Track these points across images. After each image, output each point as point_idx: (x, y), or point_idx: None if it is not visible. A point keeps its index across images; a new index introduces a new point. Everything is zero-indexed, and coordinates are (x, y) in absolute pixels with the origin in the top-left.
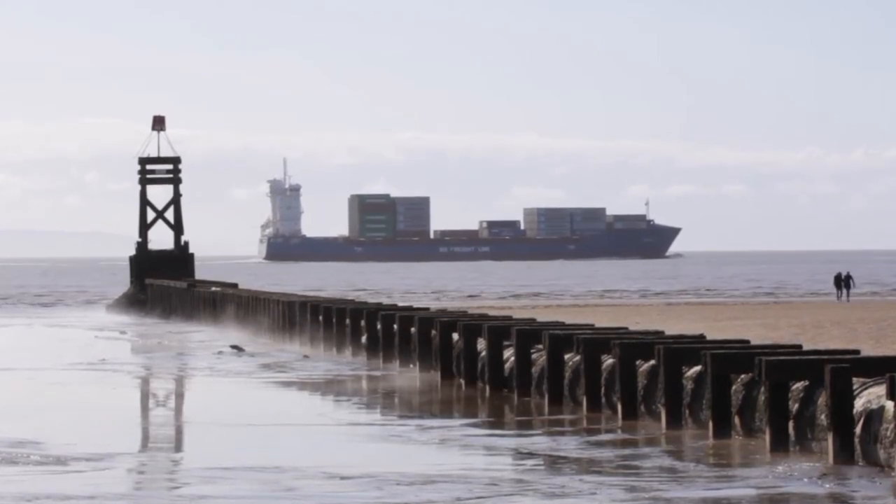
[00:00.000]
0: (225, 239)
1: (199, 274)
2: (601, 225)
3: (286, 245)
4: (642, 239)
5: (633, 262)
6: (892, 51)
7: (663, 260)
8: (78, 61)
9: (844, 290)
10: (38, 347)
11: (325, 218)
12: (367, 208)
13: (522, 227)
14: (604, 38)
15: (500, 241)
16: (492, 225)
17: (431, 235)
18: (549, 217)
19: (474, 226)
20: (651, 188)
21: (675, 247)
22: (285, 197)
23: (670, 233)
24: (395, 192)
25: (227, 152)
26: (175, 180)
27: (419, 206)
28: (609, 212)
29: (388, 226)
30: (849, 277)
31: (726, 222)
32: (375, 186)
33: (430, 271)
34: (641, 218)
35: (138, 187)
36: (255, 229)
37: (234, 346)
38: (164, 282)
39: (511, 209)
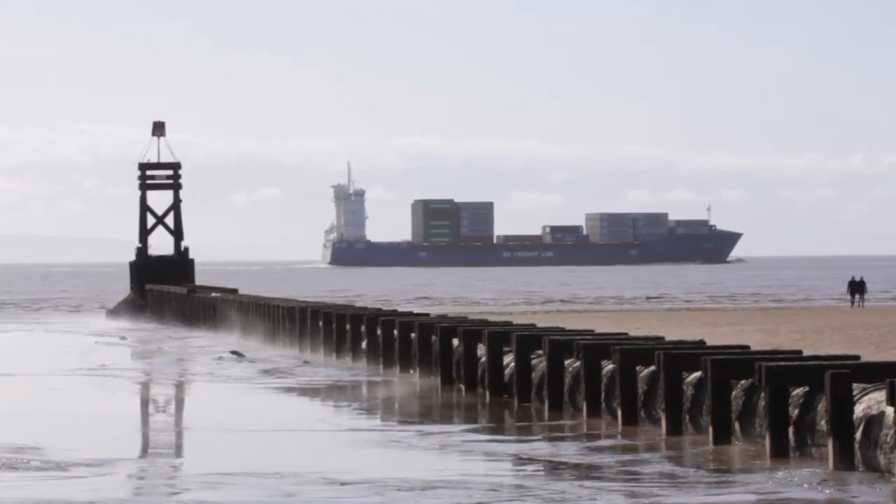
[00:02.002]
0: (224, 244)
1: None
2: (663, 230)
3: (351, 250)
4: (703, 244)
5: (694, 266)
6: (891, 55)
7: (725, 265)
8: (77, 66)
9: (858, 296)
10: (38, 353)
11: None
12: (432, 213)
13: (585, 232)
14: (604, 42)
15: (563, 247)
16: (555, 230)
17: (494, 240)
18: (611, 222)
19: (537, 231)
20: (650, 193)
21: (737, 251)
22: (350, 202)
23: (731, 238)
24: (393, 198)
25: (227, 157)
26: (175, 186)
27: (483, 212)
28: (671, 217)
29: (452, 231)
30: (862, 283)
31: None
32: (375, 192)
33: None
34: (703, 223)
35: (138, 193)
36: (251, 234)
37: (234, 352)
38: (164, 287)
39: (518, 214)
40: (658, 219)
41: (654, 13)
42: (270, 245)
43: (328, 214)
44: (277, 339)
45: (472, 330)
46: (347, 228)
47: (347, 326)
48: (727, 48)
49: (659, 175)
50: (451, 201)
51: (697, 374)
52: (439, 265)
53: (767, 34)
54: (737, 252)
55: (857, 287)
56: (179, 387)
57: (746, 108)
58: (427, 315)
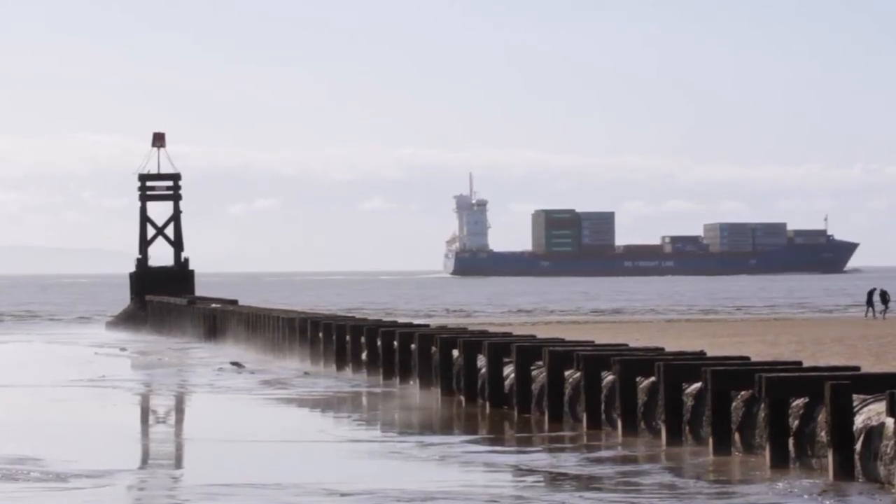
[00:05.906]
0: (224, 254)
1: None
2: (782, 240)
3: (474, 260)
4: (821, 254)
5: (812, 276)
6: (890, 66)
7: (841, 275)
8: (77, 76)
9: (881, 306)
10: (38, 364)
11: (312, 231)
12: (553, 223)
13: (704, 241)
14: (605, 54)
15: (683, 256)
16: (675, 240)
17: (615, 250)
18: (731, 232)
19: (656, 241)
20: (648, 203)
21: (854, 262)
22: (472, 212)
23: (849, 248)
24: (391, 207)
25: (225, 167)
26: (175, 197)
27: (604, 221)
28: (790, 227)
29: (574, 241)
30: (884, 294)
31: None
32: (374, 202)
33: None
34: (822, 233)
35: (138, 203)
36: (267, 243)
37: (234, 363)
38: (164, 298)
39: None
40: (777, 228)
41: (655, 29)
42: (269, 255)
43: (331, 221)
44: (278, 350)
45: (472, 341)
46: (470, 238)
47: (348, 338)
48: (726, 61)
49: (658, 186)
50: (572, 211)
51: (697, 385)
52: (561, 275)
53: (767, 48)
54: (854, 262)
55: (874, 298)
56: (179, 398)
57: (745, 119)
58: (427, 326)
